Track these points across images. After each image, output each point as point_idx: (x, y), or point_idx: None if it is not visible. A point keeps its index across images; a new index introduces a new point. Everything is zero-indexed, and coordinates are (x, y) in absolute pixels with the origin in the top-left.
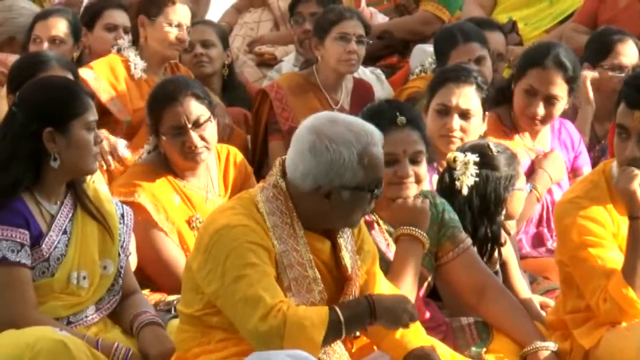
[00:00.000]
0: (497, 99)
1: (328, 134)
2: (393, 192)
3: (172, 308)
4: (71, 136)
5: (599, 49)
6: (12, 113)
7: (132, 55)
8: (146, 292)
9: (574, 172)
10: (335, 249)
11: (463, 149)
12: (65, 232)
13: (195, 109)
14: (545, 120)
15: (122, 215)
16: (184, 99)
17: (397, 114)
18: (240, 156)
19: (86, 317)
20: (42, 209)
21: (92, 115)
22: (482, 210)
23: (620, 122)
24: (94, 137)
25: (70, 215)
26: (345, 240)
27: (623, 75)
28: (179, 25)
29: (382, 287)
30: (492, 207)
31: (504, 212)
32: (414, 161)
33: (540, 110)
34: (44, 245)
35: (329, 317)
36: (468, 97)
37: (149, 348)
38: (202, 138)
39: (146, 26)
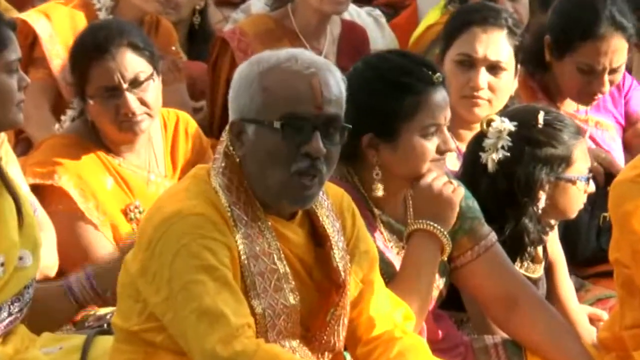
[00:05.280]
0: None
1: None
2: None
3: (105, 324)
4: None
5: None
6: None
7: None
8: None
9: (628, 119)
10: (325, 245)
11: (507, 113)
12: None
13: (133, 63)
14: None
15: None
16: (117, 51)
17: (429, 70)
18: (193, 125)
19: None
20: None
21: (14, 54)
22: (508, 195)
23: None
24: (17, 81)
25: None
26: (336, 238)
27: None
28: None
29: (380, 301)
30: (519, 193)
31: (541, 202)
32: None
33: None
34: None
35: None
36: (498, 45)
37: None
38: (142, 102)
39: None
